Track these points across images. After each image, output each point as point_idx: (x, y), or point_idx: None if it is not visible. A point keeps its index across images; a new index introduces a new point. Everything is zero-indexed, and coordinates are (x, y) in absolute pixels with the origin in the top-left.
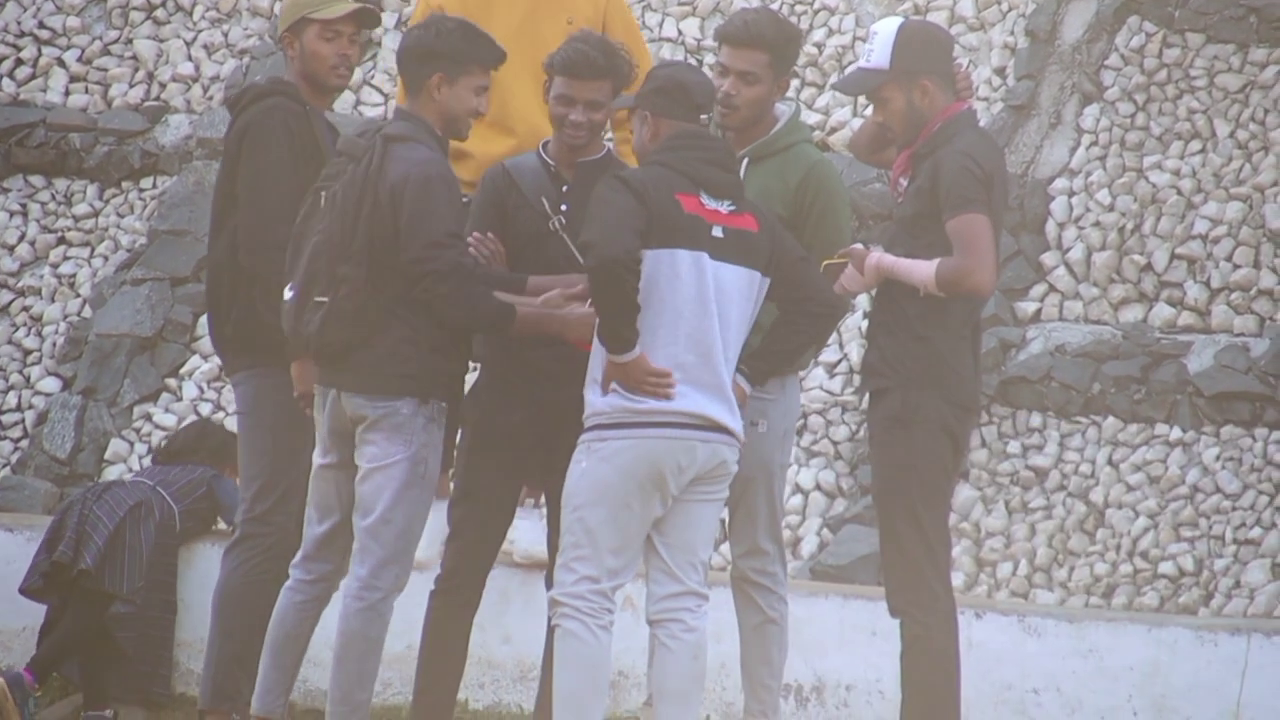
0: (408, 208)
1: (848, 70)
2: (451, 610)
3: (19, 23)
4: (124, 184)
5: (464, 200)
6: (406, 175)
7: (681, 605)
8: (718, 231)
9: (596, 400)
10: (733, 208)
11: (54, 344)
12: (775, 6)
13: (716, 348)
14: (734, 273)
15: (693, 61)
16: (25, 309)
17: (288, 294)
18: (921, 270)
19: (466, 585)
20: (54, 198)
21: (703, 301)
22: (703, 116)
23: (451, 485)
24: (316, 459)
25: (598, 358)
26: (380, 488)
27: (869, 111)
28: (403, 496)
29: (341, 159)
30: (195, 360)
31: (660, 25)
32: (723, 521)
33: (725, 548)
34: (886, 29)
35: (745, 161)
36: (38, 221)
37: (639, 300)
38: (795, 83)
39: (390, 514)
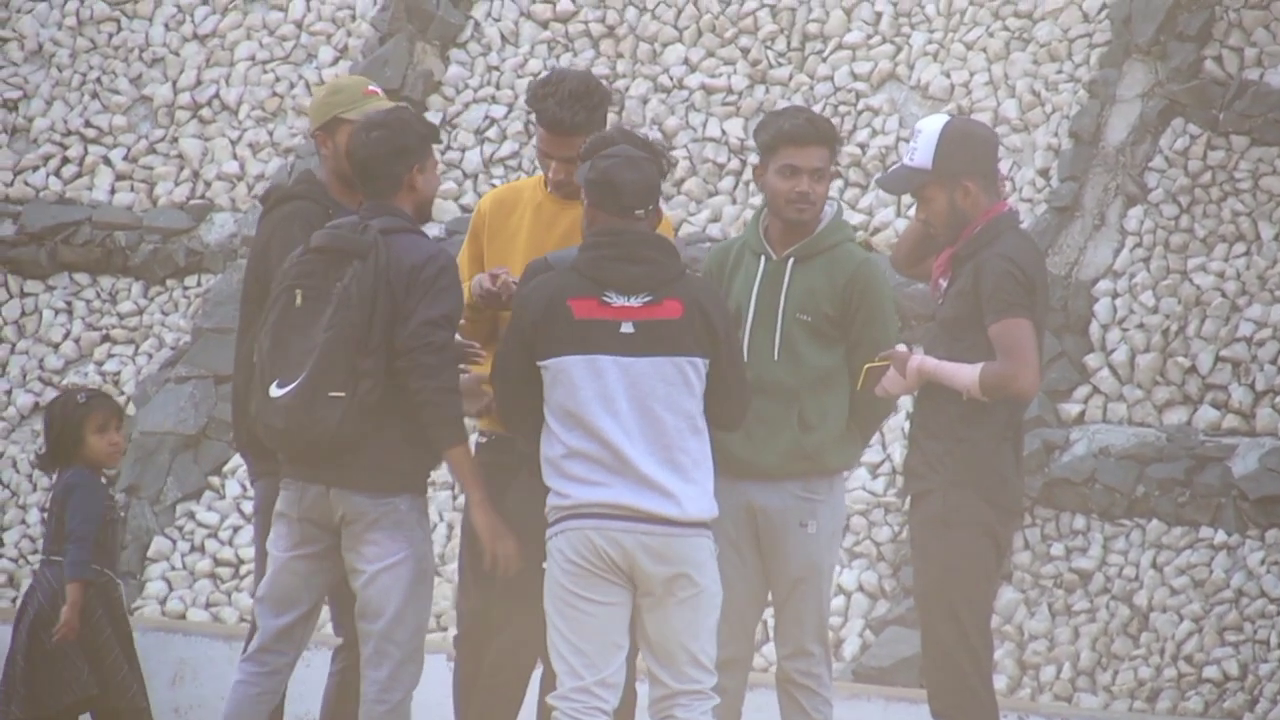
0: (422, 289)
1: (891, 168)
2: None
3: (66, 121)
4: (168, 282)
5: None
6: (424, 260)
7: (674, 704)
8: (627, 328)
9: (548, 498)
10: (648, 299)
11: None
12: (820, 106)
13: (623, 442)
14: (651, 364)
15: (728, 160)
16: None
17: (276, 390)
18: (965, 375)
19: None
20: (99, 295)
21: (605, 399)
22: (636, 212)
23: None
24: (279, 550)
25: (545, 445)
26: (389, 589)
27: (912, 213)
28: (413, 594)
29: (312, 256)
30: (238, 458)
31: (704, 125)
32: (765, 622)
33: (769, 648)
34: (931, 128)
35: (790, 261)
36: (83, 319)
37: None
38: (838, 183)
39: (404, 615)
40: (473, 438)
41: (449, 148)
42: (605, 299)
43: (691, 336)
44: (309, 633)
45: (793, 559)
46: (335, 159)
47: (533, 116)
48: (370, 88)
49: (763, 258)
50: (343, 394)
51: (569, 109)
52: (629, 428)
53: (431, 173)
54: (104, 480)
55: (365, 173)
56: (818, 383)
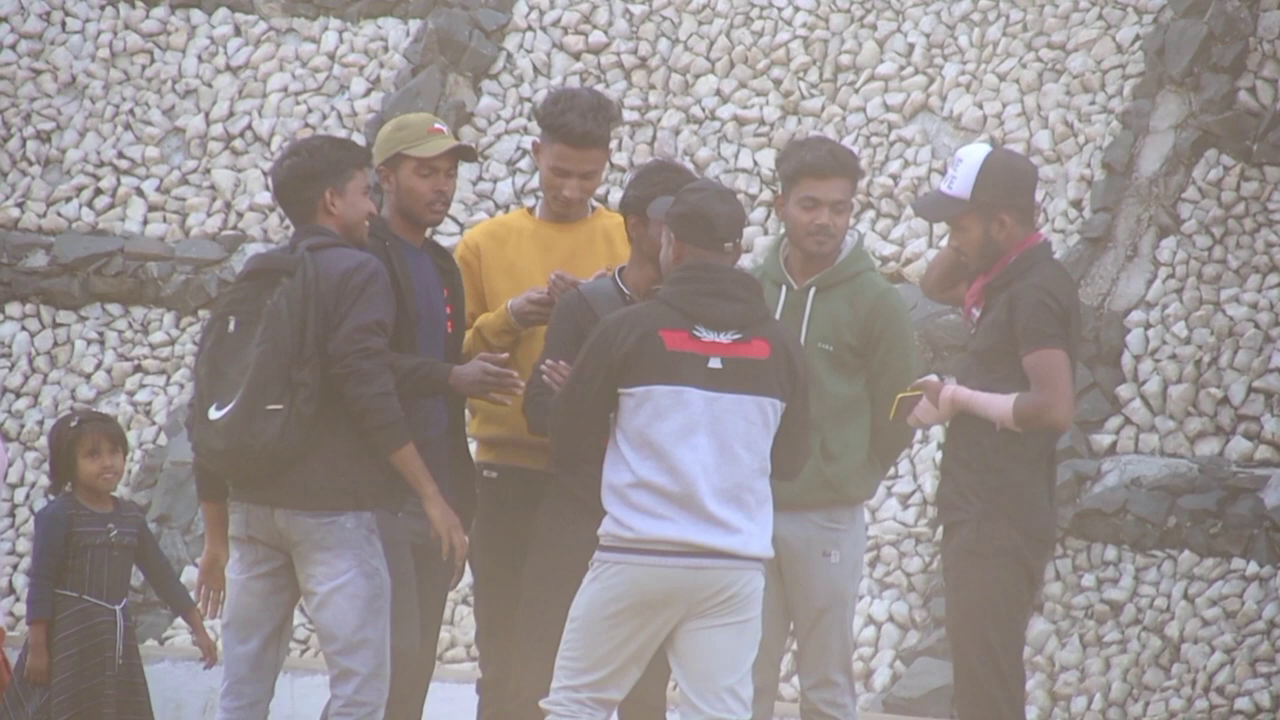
0: (351, 295)
1: (927, 192)
2: None
3: (99, 153)
4: (200, 312)
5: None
6: (353, 269)
7: None
8: (715, 363)
9: (604, 522)
10: (737, 337)
11: (130, 472)
12: (852, 137)
13: (698, 476)
14: (735, 401)
15: (760, 192)
16: None
17: (214, 413)
18: (998, 405)
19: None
20: (131, 326)
21: (686, 433)
22: (726, 245)
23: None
24: (235, 573)
25: (612, 472)
26: (344, 611)
27: (943, 243)
28: (368, 611)
29: (244, 282)
30: None
31: (736, 156)
32: (793, 653)
33: (795, 679)
34: (972, 158)
35: (812, 291)
36: (115, 349)
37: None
38: (870, 214)
39: (363, 632)
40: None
41: (480, 178)
42: (696, 333)
43: (775, 378)
44: (280, 656)
45: (817, 589)
46: (397, 194)
47: (537, 138)
48: (435, 125)
49: (783, 287)
50: (280, 406)
51: (591, 120)
52: (705, 462)
53: (355, 195)
54: (85, 506)
55: (279, 198)
56: (840, 413)
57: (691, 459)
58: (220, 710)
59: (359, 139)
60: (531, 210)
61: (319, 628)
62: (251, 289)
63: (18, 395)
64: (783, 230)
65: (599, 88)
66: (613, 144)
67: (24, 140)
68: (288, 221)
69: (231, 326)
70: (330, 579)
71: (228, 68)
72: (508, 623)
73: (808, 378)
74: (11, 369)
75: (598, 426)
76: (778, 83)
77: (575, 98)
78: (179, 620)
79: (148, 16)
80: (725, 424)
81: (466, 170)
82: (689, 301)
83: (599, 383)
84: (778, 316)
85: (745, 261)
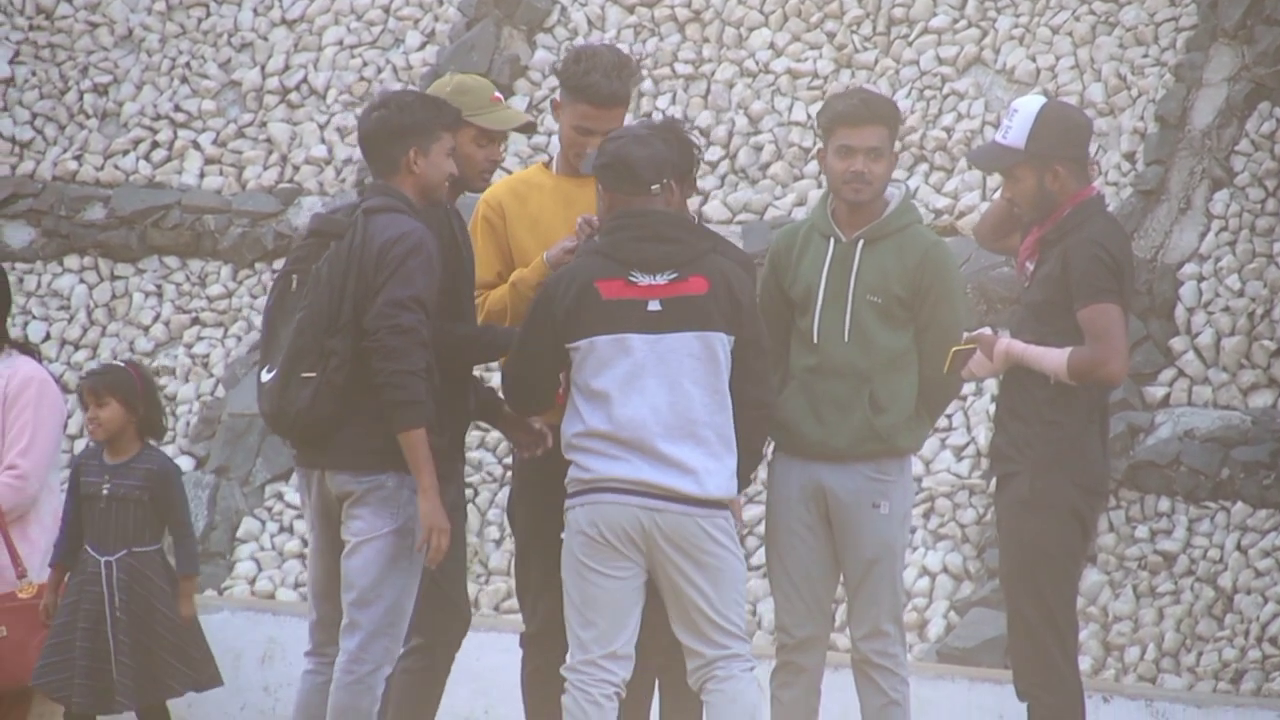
0: (390, 267)
1: (981, 144)
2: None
3: (155, 106)
4: (257, 265)
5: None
6: (394, 239)
7: (711, 671)
8: (654, 305)
9: (568, 472)
10: (673, 276)
11: (188, 423)
12: (905, 91)
13: (647, 419)
14: (679, 340)
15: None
16: (160, 388)
17: (265, 376)
18: (1052, 358)
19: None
20: (188, 279)
21: (632, 378)
22: (653, 188)
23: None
24: (311, 539)
25: (567, 425)
26: (369, 562)
27: (996, 195)
28: (391, 569)
29: (311, 240)
30: None
31: (790, 110)
32: (837, 602)
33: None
34: (1028, 108)
35: (860, 243)
36: (172, 302)
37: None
38: (924, 167)
39: (379, 588)
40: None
41: (536, 131)
42: (632, 279)
43: (718, 312)
44: None
45: (866, 540)
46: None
47: (556, 96)
48: (496, 94)
49: (831, 240)
50: (313, 374)
51: (615, 79)
52: (655, 405)
53: (439, 156)
54: (98, 457)
55: (365, 151)
56: (888, 364)
57: (640, 403)
58: (306, 661)
59: None
60: (548, 165)
61: (342, 576)
62: (314, 248)
63: (76, 347)
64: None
65: (652, 41)
66: (665, 97)
67: (81, 94)
68: (344, 175)
69: (293, 285)
70: (364, 533)
71: (283, 21)
72: (548, 578)
73: (755, 305)
74: (70, 321)
75: (549, 382)
76: (831, 36)
77: (597, 56)
78: (238, 570)
79: None
80: (671, 364)
81: None
82: (621, 249)
83: (545, 341)
84: (826, 269)
85: (799, 214)
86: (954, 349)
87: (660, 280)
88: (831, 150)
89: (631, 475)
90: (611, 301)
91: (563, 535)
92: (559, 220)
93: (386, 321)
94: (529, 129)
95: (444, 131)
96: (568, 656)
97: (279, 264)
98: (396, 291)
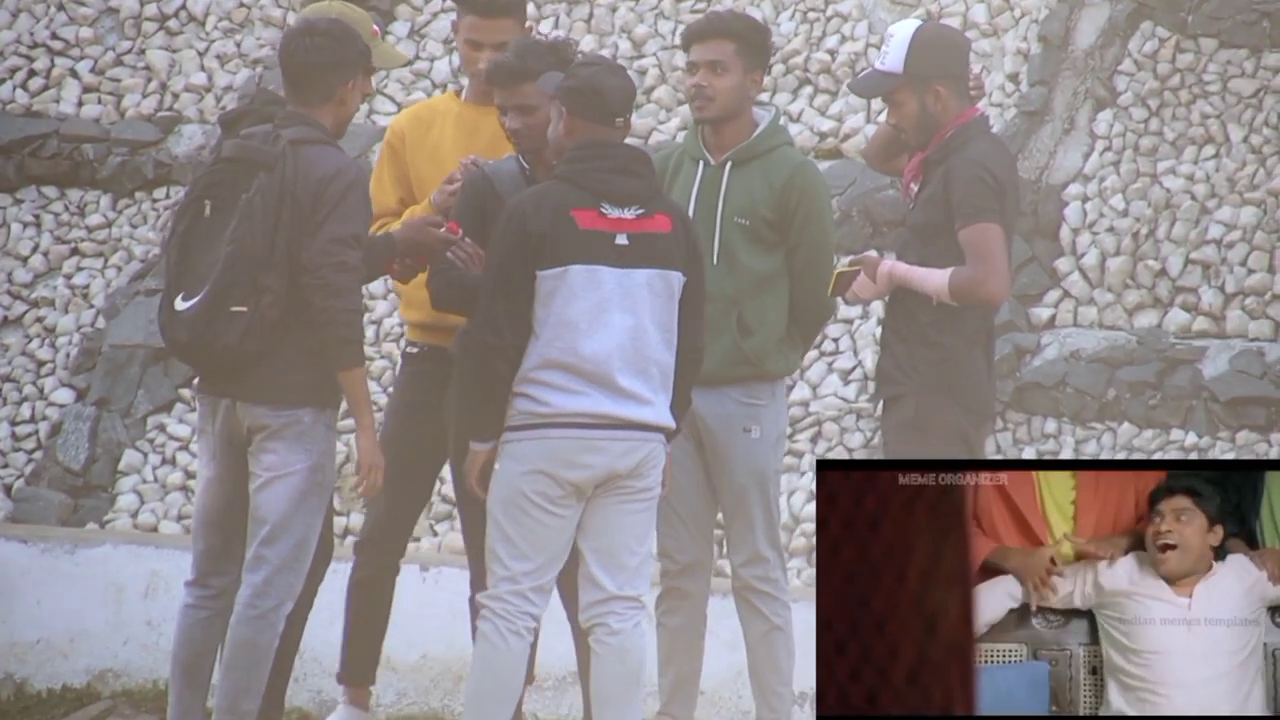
0: (329, 203)
1: (862, 72)
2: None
3: (32, 34)
4: (137, 194)
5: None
6: (332, 174)
7: (607, 610)
8: (622, 239)
9: (514, 403)
10: (641, 212)
11: (67, 355)
12: (789, 13)
13: (610, 352)
14: (644, 276)
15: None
16: (39, 320)
17: (180, 304)
18: (935, 279)
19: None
20: (67, 208)
21: (600, 311)
22: (617, 120)
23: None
24: (203, 468)
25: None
26: (279, 496)
27: (882, 118)
28: (301, 505)
29: (222, 165)
30: None
31: (673, 33)
32: (719, 532)
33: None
34: (903, 32)
35: (728, 165)
36: (51, 232)
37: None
38: (808, 89)
39: (289, 523)
40: (393, 348)
41: (418, 57)
42: (603, 210)
43: (677, 251)
44: (242, 552)
45: (739, 465)
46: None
47: (455, 15)
48: (375, 27)
49: (700, 163)
50: (244, 309)
51: None
52: (620, 339)
53: (359, 92)
54: None
55: (299, 79)
56: (756, 287)
57: (605, 337)
58: (186, 595)
59: (291, 19)
60: (459, 93)
61: (252, 510)
62: (229, 174)
63: None
64: None
65: None
66: (549, 21)
67: None
68: (224, 103)
69: (207, 212)
70: (276, 468)
71: None
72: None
73: (701, 250)
74: None
75: (523, 309)
76: None
77: None
78: (120, 503)
79: None
80: (636, 299)
81: (402, 49)
82: (592, 179)
83: (520, 265)
84: (694, 192)
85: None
86: (837, 271)
87: (628, 214)
88: (686, 68)
89: (594, 409)
90: (587, 231)
91: (497, 463)
92: (460, 151)
93: (329, 259)
94: (405, 64)
95: (367, 65)
96: (490, 584)
97: (159, 193)
98: (338, 228)
